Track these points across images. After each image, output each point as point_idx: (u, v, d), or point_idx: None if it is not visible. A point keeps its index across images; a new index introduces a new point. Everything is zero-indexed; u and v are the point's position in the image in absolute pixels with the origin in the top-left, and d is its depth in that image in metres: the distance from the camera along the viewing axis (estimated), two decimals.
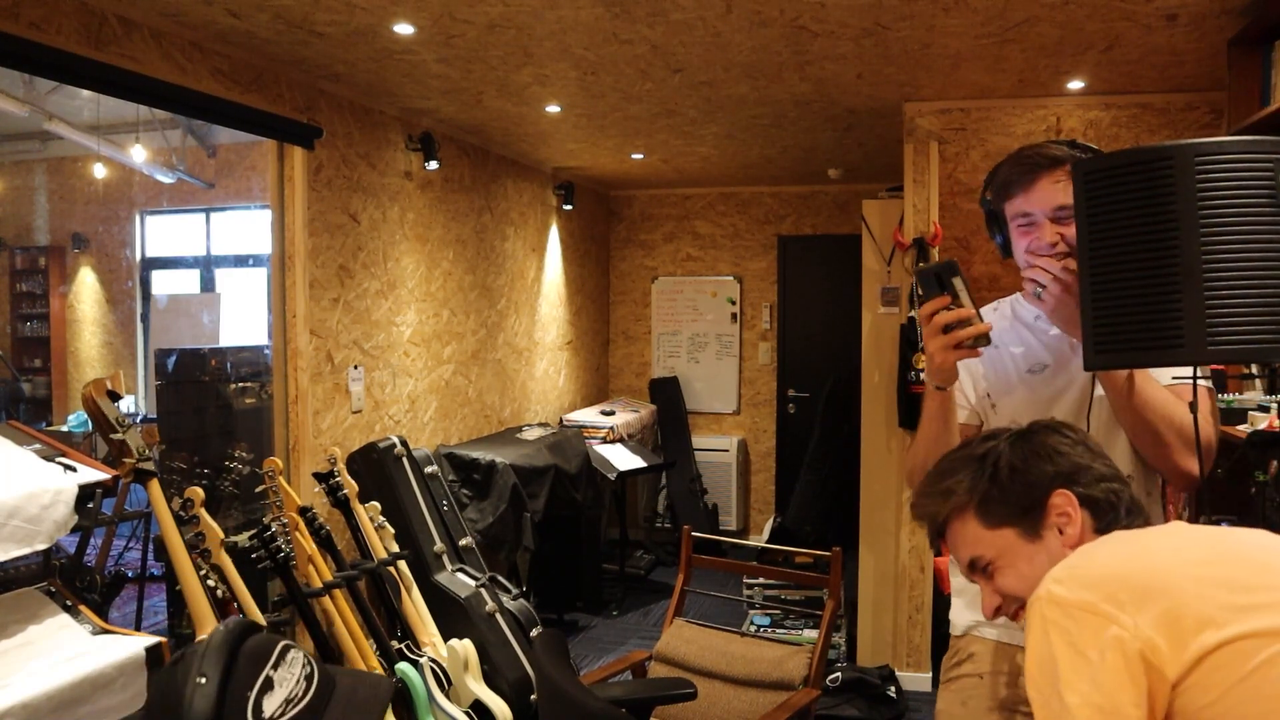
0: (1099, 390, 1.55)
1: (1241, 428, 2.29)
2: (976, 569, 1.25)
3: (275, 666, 1.08)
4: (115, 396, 2.39)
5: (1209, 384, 1.56)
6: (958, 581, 1.70)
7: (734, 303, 6.39)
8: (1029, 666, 1.03)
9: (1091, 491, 1.20)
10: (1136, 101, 3.69)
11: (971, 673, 1.61)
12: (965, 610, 1.67)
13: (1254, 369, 2.52)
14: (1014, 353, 1.66)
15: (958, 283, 1.44)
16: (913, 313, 3.67)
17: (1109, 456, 1.27)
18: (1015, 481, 1.22)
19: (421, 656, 3.14)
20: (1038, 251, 1.55)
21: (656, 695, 2.37)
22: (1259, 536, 1.07)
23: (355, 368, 3.71)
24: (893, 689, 3.73)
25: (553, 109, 3.94)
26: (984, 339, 1.45)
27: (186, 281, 7.16)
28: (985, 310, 1.75)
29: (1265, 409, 2.31)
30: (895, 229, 3.94)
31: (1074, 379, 1.59)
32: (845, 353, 5.38)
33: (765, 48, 3.06)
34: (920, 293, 1.47)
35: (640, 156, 5.11)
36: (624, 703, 2.20)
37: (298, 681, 1.08)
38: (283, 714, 1.05)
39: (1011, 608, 1.21)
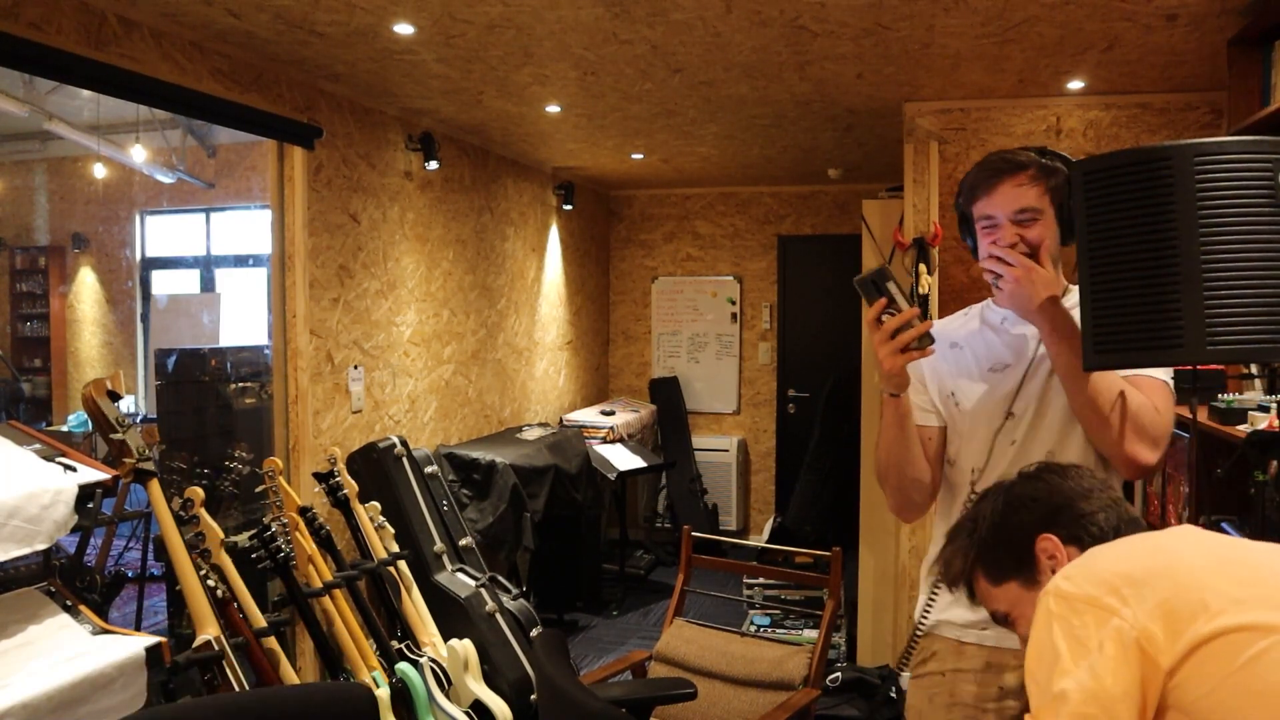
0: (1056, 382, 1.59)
1: (1241, 428, 2.29)
2: (1000, 622, 1.30)
3: None
4: (115, 396, 2.39)
5: (1168, 380, 1.59)
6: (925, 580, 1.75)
7: (734, 303, 6.39)
8: (1029, 659, 1.05)
9: (1074, 529, 1.22)
10: (1136, 101, 3.69)
11: (935, 670, 1.66)
12: (929, 609, 1.72)
13: (1254, 369, 2.52)
14: (978, 353, 1.71)
15: (892, 287, 1.48)
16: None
17: (1094, 482, 1.28)
18: (999, 538, 1.26)
19: (421, 656, 3.14)
20: (990, 263, 1.61)
21: (656, 695, 2.37)
22: (1269, 547, 1.08)
23: (355, 368, 3.71)
24: (893, 689, 3.73)
25: (553, 109, 3.94)
26: (927, 338, 1.49)
27: (186, 281, 7.16)
28: (956, 316, 1.81)
29: (1265, 409, 2.30)
30: (895, 229, 3.94)
31: (1034, 374, 1.63)
32: (845, 353, 5.38)
33: (765, 48, 3.06)
34: (865, 303, 1.51)
35: (640, 156, 5.11)
36: (624, 703, 2.20)
37: None
38: None
39: None
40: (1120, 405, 1.50)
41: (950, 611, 1.65)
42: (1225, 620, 0.95)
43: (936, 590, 1.62)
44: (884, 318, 1.49)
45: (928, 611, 1.66)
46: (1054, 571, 1.17)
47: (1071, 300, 1.67)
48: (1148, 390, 1.55)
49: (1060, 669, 0.99)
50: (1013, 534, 1.24)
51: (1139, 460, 1.51)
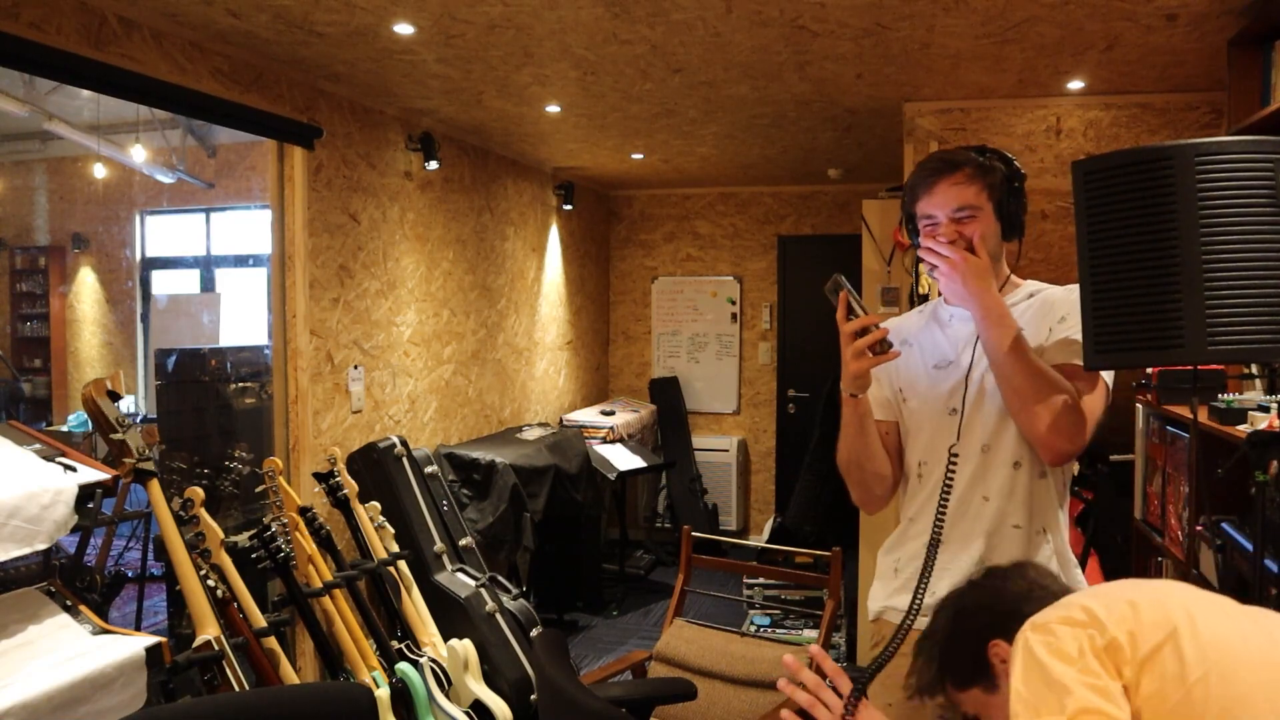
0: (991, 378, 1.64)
1: (1241, 428, 2.29)
2: None
3: None
4: (115, 396, 2.40)
5: (1107, 376, 1.63)
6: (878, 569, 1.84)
7: (734, 303, 6.39)
8: (1014, 705, 1.08)
9: None
10: (1136, 101, 3.69)
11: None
12: (877, 595, 1.80)
13: (1254, 369, 2.52)
14: (925, 350, 1.77)
15: (845, 294, 1.56)
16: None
17: (1034, 578, 1.32)
18: (956, 649, 1.30)
19: (421, 656, 3.14)
20: (930, 257, 1.66)
21: (656, 695, 2.37)
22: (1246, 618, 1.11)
23: (355, 368, 3.71)
24: None
25: (553, 109, 3.94)
26: (885, 344, 1.55)
27: (186, 281, 7.16)
28: (913, 313, 1.88)
29: (1265, 409, 2.30)
30: (895, 229, 3.95)
31: (974, 369, 1.68)
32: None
33: (765, 48, 3.06)
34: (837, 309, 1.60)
35: (640, 156, 5.11)
36: (624, 702, 2.20)
37: None
38: None
39: None
40: (1046, 393, 1.54)
41: (895, 599, 1.74)
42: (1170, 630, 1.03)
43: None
44: (850, 319, 1.57)
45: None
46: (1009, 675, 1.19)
47: (1021, 293, 1.72)
48: (1079, 380, 1.58)
49: (1055, 680, 1.03)
50: (966, 643, 1.28)
51: (1057, 448, 1.56)
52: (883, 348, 1.56)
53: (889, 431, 1.80)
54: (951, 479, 1.62)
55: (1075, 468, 1.73)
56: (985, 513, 1.67)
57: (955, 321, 1.75)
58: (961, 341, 1.71)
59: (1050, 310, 1.66)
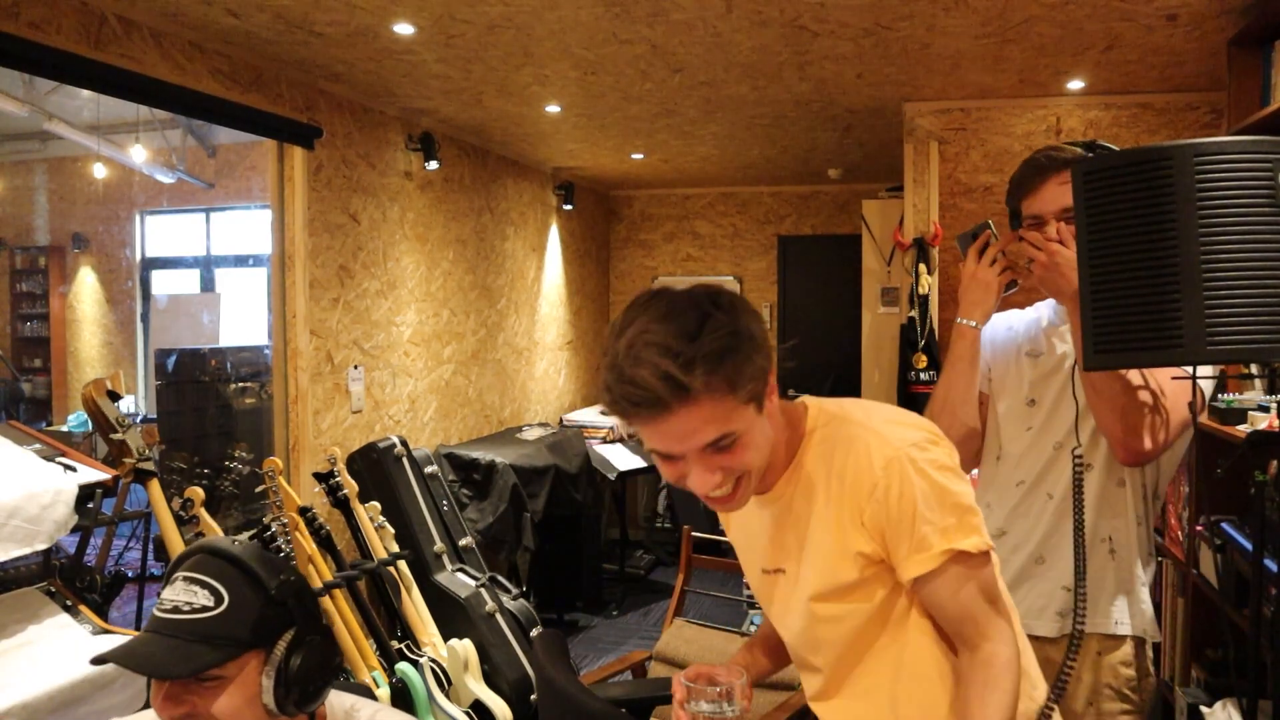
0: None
1: (1241, 428, 2.29)
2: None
3: (188, 578, 1.18)
4: (115, 396, 2.40)
5: (1204, 384, 1.60)
6: None
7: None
8: (925, 531, 1.14)
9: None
10: (1136, 101, 3.69)
11: None
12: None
13: (1254, 369, 2.52)
14: (1021, 338, 1.77)
15: (993, 225, 1.68)
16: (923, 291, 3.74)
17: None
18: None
19: (421, 656, 3.14)
20: (1043, 260, 1.65)
21: (657, 695, 2.36)
22: None
23: (355, 368, 3.71)
24: None
25: (553, 109, 3.94)
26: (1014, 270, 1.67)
27: (186, 281, 7.16)
28: (1026, 312, 1.85)
29: (1265, 409, 2.30)
30: (895, 229, 3.95)
31: (1060, 366, 1.68)
32: (845, 352, 5.38)
33: (765, 48, 3.06)
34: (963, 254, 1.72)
35: (640, 156, 5.11)
36: (624, 702, 2.20)
37: (194, 598, 1.16)
38: (161, 608, 1.17)
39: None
40: (1126, 391, 1.53)
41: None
42: None
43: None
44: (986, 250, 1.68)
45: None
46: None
47: None
48: (1160, 380, 1.57)
49: (955, 501, 1.15)
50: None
51: (1133, 447, 1.55)
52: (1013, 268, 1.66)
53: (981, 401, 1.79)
54: (1081, 482, 1.56)
55: (1163, 485, 1.71)
56: (1046, 511, 1.65)
57: (1058, 316, 1.73)
58: (1060, 335, 1.70)
59: None
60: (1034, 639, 1.57)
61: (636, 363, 1.06)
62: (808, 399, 1.28)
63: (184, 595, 1.16)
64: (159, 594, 1.21)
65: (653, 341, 1.06)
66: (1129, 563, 1.63)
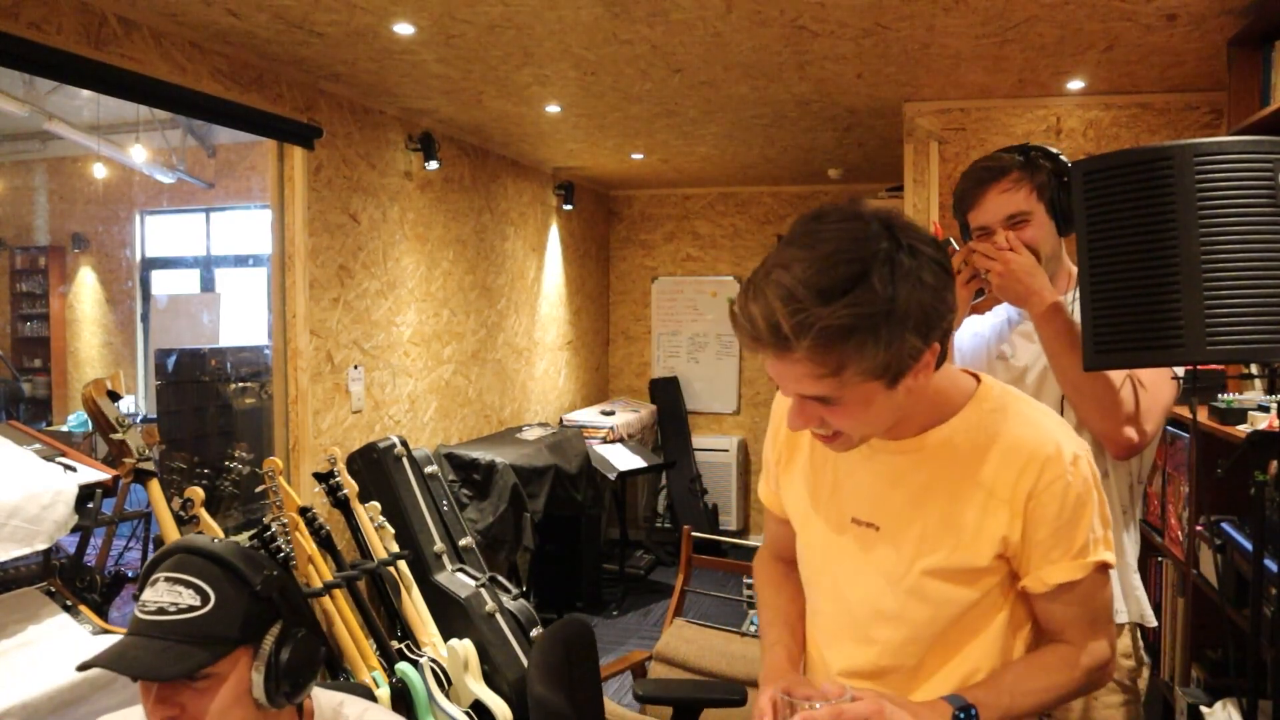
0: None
1: (1241, 428, 2.29)
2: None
3: (170, 570, 1.18)
4: (115, 396, 2.40)
5: (1178, 369, 1.61)
6: None
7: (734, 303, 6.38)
8: (1095, 538, 1.13)
9: None
10: (1136, 101, 3.69)
11: None
12: None
13: (1254, 369, 2.52)
14: (990, 341, 1.79)
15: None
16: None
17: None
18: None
19: (421, 656, 3.14)
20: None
21: (707, 698, 2.29)
22: None
23: (355, 368, 3.71)
24: None
25: (553, 109, 3.94)
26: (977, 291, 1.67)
27: (186, 281, 7.16)
28: (988, 315, 1.87)
29: (1265, 409, 2.30)
30: None
31: (1031, 367, 1.70)
32: None
33: (765, 48, 3.06)
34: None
35: (640, 156, 5.11)
36: (672, 701, 2.17)
37: (175, 601, 1.16)
38: (144, 610, 1.17)
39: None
40: (1104, 386, 1.54)
41: None
42: None
43: None
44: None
45: None
46: None
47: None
48: (1144, 375, 1.58)
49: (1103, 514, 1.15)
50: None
51: (1120, 439, 1.55)
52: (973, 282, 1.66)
53: None
54: None
55: (1144, 472, 1.71)
56: None
57: (1025, 323, 1.74)
58: (1027, 336, 1.72)
59: None
60: None
61: (758, 294, 0.99)
62: (986, 378, 1.21)
63: (168, 596, 1.16)
64: (137, 596, 1.20)
65: (783, 281, 0.97)
66: (1118, 553, 1.63)
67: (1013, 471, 1.11)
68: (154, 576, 1.19)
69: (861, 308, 0.96)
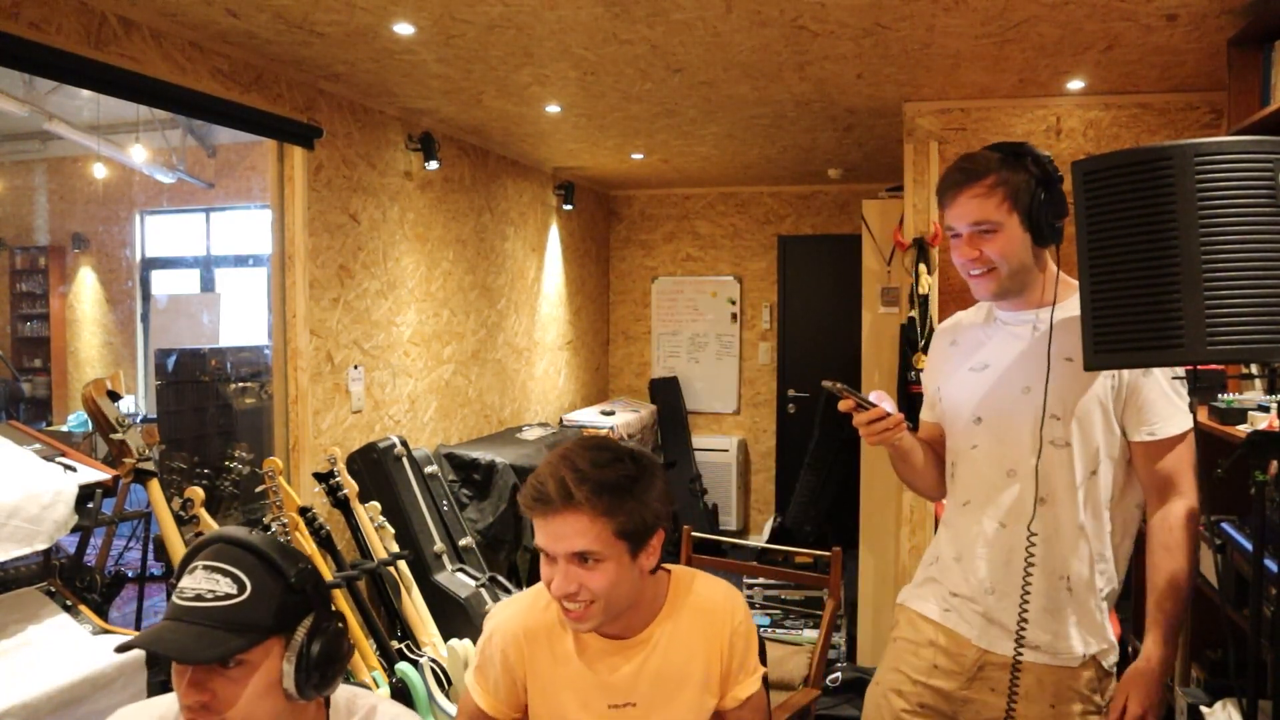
0: (1050, 409, 1.59)
1: (1241, 428, 2.29)
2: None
3: (209, 559, 1.21)
4: (115, 396, 2.40)
5: (1190, 426, 1.60)
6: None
7: (734, 303, 6.39)
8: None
9: None
10: (1136, 101, 3.69)
11: (896, 637, 1.81)
12: (917, 584, 1.83)
13: (1254, 369, 2.52)
14: (967, 350, 1.74)
15: (851, 394, 1.57)
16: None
17: None
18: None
19: (421, 656, 3.14)
20: (962, 268, 1.64)
21: None
22: None
23: (355, 368, 3.71)
24: None
25: (553, 109, 3.94)
26: (898, 428, 1.60)
27: (186, 281, 7.16)
28: (970, 310, 1.83)
29: (1265, 409, 2.30)
30: (895, 229, 3.94)
31: (1005, 382, 1.66)
32: (845, 353, 5.38)
33: (765, 48, 3.06)
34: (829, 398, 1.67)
35: (640, 156, 5.11)
36: None
37: (215, 586, 1.18)
38: (181, 596, 1.18)
39: None
40: (1187, 581, 1.56)
41: (922, 588, 1.78)
42: None
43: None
44: (857, 411, 1.59)
45: None
46: None
47: (1076, 300, 1.67)
48: (1172, 450, 1.57)
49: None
50: None
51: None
52: (898, 428, 1.61)
53: (933, 434, 1.80)
54: (1032, 556, 1.59)
55: (1132, 524, 1.71)
56: (999, 541, 1.64)
57: (1001, 326, 1.70)
58: (1001, 350, 1.68)
59: None
60: (988, 653, 1.65)
61: (549, 467, 1.39)
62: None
63: (206, 583, 1.18)
64: (174, 582, 1.23)
65: (569, 457, 1.39)
66: (1087, 596, 1.62)
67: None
68: (192, 565, 1.21)
69: (621, 475, 1.40)
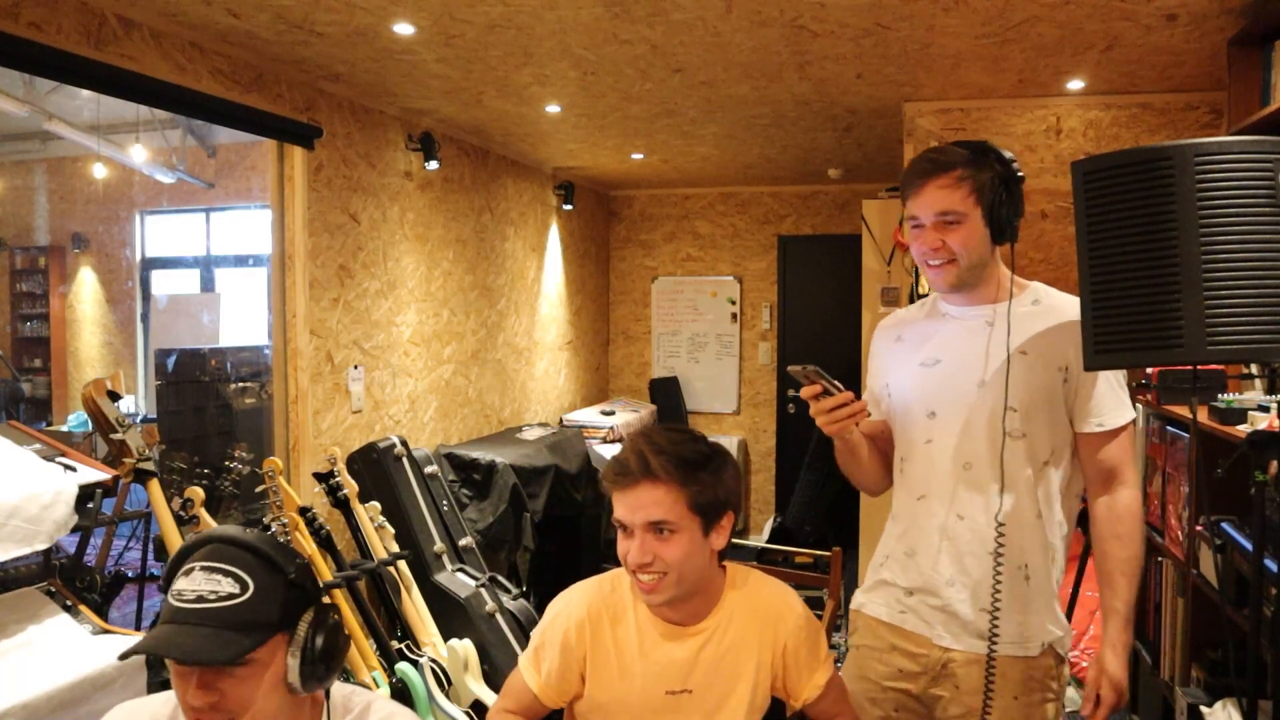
0: (1010, 403, 1.62)
1: (1241, 428, 2.29)
2: None
3: (206, 560, 1.20)
4: (115, 396, 2.40)
5: (1130, 413, 1.66)
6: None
7: (734, 303, 6.39)
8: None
9: None
10: (1136, 101, 3.69)
11: (857, 644, 1.81)
12: (868, 589, 1.84)
13: (1254, 369, 2.52)
14: (915, 345, 1.75)
15: (824, 378, 1.56)
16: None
17: None
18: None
19: (421, 656, 3.14)
20: (922, 258, 1.65)
21: None
22: None
23: (355, 368, 3.71)
24: None
25: (553, 109, 3.95)
26: (861, 413, 1.59)
27: (186, 281, 7.16)
28: (913, 307, 1.84)
29: (1265, 409, 2.30)
30: (895, 229, 3.95)
31: (960, 376, 1.67)
32: (845, 352, 5.38)
33: (765, 48, 3.06)
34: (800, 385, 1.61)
35: (640, 156, 5.11)
36: None
37: (215, 589, 1.18)
38: (180, 599, 1.17)
39: None
40: (1139, 558, 1.61)
41: (875, 592, 1.78)
42: None
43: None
44: (821, 398, 1.58)
45: None
46: None
47: (1027, 298, 1.67)
48: (1113, 443, 1.62)
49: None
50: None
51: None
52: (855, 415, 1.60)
53: (877, 430, 1.80)
54: (1002, 548, 1.62)
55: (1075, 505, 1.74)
56: (959, 534, 1.66)
57: (951, 321, 1.72)
58: (953, 344, 1.69)
59: (1066, 340, 1.61)
60: (950, 650, 1.66)
61: (630, 444, 1.50)
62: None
63: (206, 584, 1.18)
64: (168, 586, 1.21)
65: (649, 435, 1.50)
66: (1044, 584, 1.65)
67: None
68: (188, 566, 1.21)
69: (699, 454, 1.51)
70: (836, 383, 1.57)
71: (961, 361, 1.66)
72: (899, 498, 1.77)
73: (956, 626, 1.65)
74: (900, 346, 1.77)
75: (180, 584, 1.19)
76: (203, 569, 1.19)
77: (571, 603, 1.63)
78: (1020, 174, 1.62)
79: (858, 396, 1.59)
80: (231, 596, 1.17)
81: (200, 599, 1.17)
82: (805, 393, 1.58)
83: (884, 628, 1.74)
